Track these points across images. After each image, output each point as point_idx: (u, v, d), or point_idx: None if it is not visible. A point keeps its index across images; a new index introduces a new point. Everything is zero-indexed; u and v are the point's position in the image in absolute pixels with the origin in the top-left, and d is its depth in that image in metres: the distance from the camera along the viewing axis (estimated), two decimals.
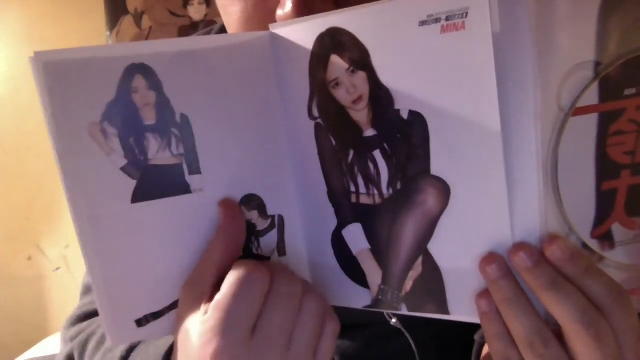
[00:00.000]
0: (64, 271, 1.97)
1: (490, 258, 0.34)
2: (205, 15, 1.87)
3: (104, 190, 0.36)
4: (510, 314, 0.33)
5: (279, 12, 0.42)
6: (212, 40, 0.38)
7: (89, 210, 0.36)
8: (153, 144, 0.37)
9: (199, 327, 0.35)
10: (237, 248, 0.39)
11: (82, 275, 0.66)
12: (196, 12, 1.87)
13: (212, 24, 1.86)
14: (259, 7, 0.45)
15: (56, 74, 0.34)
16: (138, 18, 1.86)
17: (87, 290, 0.63)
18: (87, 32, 1.88)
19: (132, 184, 0.37)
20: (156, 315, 0.39)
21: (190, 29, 1.86)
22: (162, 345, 0.43)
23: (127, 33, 1.85)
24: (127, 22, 1.87)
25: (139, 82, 0.36)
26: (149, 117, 0.37)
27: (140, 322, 0.39)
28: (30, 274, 1.96)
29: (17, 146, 1.91)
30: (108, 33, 1.86)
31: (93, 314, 0.59)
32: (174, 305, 0.39)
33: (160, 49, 0.36)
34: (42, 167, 1.89)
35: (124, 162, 0.36)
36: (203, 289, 0.37)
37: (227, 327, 0.34)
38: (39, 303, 1.97)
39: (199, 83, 0.37)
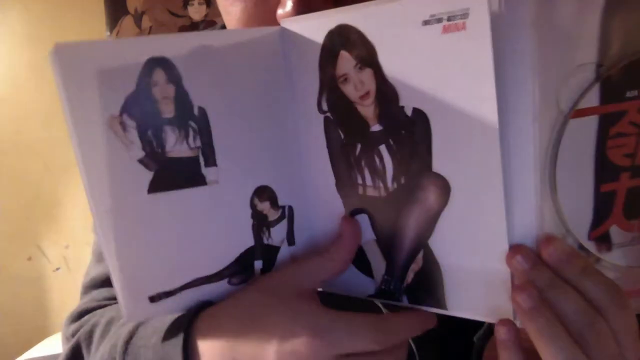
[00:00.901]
0: (64, 271, 1.97)
1: (515, 250, 0.33)
2: (205, 15, 1.88)
3: (121, 181, 0.37)
4: (558, 297, 0.33)
5: (279, 11, 0.43)
6: (227, 35, 0.39)
7: (107, 199, 0.36)
8: (171, 137, 0.37)
9: (306, 318, 0.36)
10: (347, 265, 0.41)
11: (82, 275, 0.66)
12: (196, 12, 1.87)
13: (212, 24, 1.86)
14: (259, 7, 0.45)
15: (75, 66, 0.34)
16: (138, 18, 1.87)
17: (86, 289, 0.63)
18: (87, 32, 1.88)
19: (149, 175, 0.37)
20: (169, 294, 0.40)
21: (190, 29, 1.87)
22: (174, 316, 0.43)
23: (127, 33, 1.86)
24: (127, 22, 1.87)
25: (159, 75, 0.36)
26: (168, 110, 0.37)
27: (153, 299, 0.39)
28: (30, 274, 1.96)
29: (18, 146, 1.91)
30: (108, 33, 1.86)
31: (92, 309, 0.59)
32: (186, 287, 0.40)
33: (179, 43, 0.37)
34: (42, 167, 1.90)
35: (141, 154, 0.37)
36: (300, 290, 0.39)
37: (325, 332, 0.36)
38: (39, 303, 1.97)
39: (215, 76, 0.38)
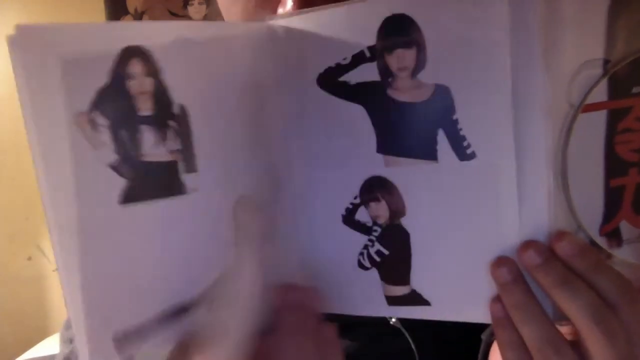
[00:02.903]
0: None
1: (501, 261, 0.34)
2: (205, 15, 1.88)
3: (89, 189, 0.31)
4: (521, 320, 0.33)
5: (280, 11, 0.43)
6: (211, 27, 0.36)
7: (70, 210, 0.31)
8: (148, 138, 0.33)
9: None
10: None
11: None
12: (196, 12, 1.87)
13: None
14: (260, 6, 0.45)
15: (37, 53, 0.29)
16: (138, 18, 1.87)
17: None
18: None
19: (121, 182, 0.32)
20: (139, 333, 0.35)
21: None
22: None
23: None
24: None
25: (136, 67, 0.32)
26: (145, 107, 0.33)
27: (121, 340, 0.34)
28: (30, 274, 1.96)
29: (17, 146, 1.91)
30: None
31: None
32: (160, 321, 0.35)
33: (160, 31, 0.33)
34: None
35: (114, 157, 0.32)
36: None
37: None
38: (39, 303, 1.97)
39: (198, 72, 0.35)
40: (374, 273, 0.39)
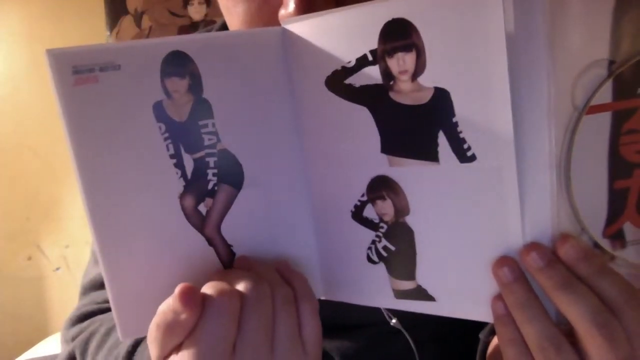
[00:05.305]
0: (64, 271, 1.97)
1: (503, 261, 0.34)
2: (205, 15, 1.87)
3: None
4: (522, 319, 0.33)
5: (282, 12, 0.43)
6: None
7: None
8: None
9: None
10: None
11: (82, 275, 0.65)
12: (196, 12, 1.87)
13: (211, 23, 1.86)
14: (262, 8, 0.45)
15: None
16: (138, 18, 1.86)
17: (85, 290, 0.63)
18: (87, 32, 1.88)
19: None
20: None
21: (190, 29, 1.86)
22: None
23: (127, 33, 1.85)
24: (127, 22, 1.86)
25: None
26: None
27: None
28: (30, 274, 1.96)
29: (17, 146, 1.91)
30: (108, 33, 1.86)
31: (93, 313, 0.59)
32: None
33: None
34: (42, 167, 1.89)
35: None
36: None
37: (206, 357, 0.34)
38: (39, 303, 1.97)
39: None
40: (381, 267, 0.40)
